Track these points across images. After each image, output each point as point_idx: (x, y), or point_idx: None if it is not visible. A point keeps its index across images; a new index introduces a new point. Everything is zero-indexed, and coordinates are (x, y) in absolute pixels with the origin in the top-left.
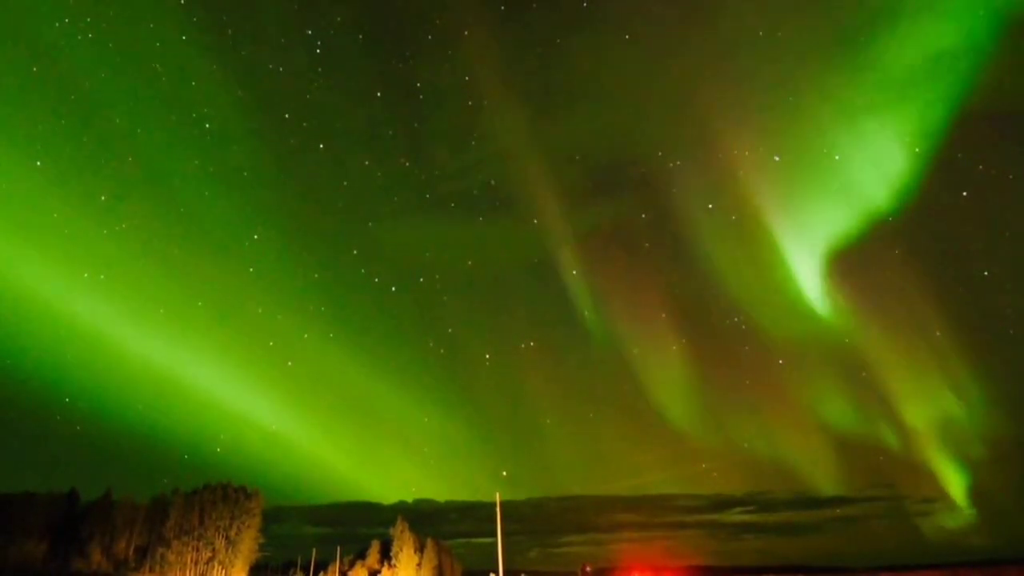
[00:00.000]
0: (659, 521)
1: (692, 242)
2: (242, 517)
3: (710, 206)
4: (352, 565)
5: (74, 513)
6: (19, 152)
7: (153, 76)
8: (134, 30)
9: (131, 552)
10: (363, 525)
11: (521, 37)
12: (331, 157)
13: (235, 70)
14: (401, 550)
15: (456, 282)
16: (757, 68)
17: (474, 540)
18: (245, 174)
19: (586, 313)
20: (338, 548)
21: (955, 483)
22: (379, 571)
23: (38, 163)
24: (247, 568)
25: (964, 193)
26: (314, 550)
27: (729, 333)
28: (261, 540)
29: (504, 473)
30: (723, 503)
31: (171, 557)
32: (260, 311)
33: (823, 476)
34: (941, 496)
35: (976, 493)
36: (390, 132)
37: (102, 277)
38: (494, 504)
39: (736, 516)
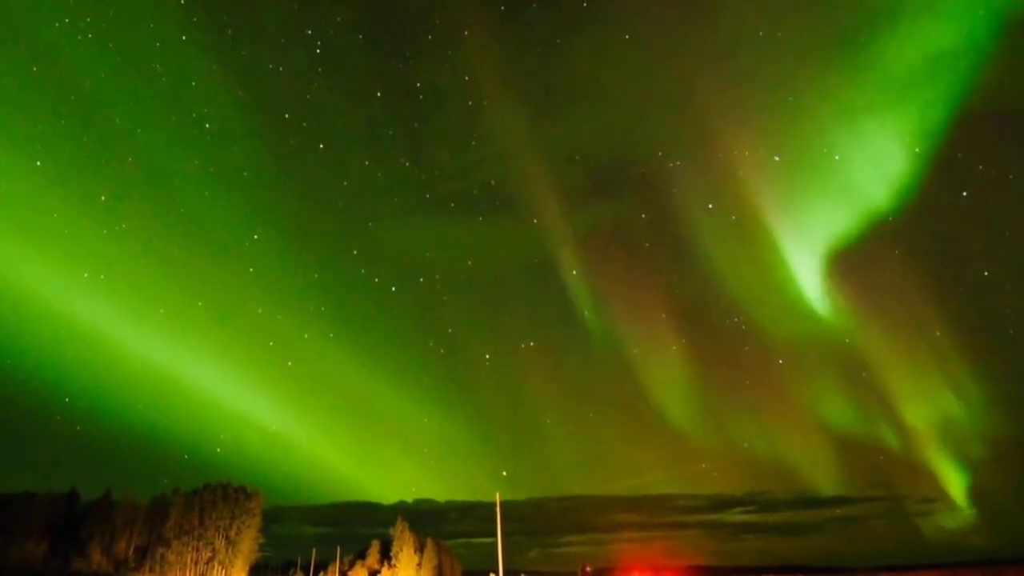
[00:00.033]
0: (659, 521)
1: (692, 242)
2: (242, 517)
3: (710, 206)
4: (352, 565)
5: (74, 513)
6: (19, 152)
7: (153, 76)
8: (134, 30)
9: (131, 552)
10: (363, 525)
11: (521, 37)
12: (331, 157)
13: (235, 70)
14: (401, 550)
15: (456, 282)
16: (757, 68)
17: (474, 540)
18: (245, 174)
19: (586, 313)
20: (338, 548)
21: (955, 483)
22: (379, 571)
23: (38, 163)
24: (247, 568)
25: (964, 193)
26: (314, 550)
27: (729, 333)
28: (261, 540)
29: (504, 473)
30: (723, 503)
31: (171, 557)
32: (260, 311)
33: (823, 476)
34: (941, 496)
35: (976, 493)
36: (390, 132)
37: (102, 277)
38: (494, 504)
39: (736, 516)
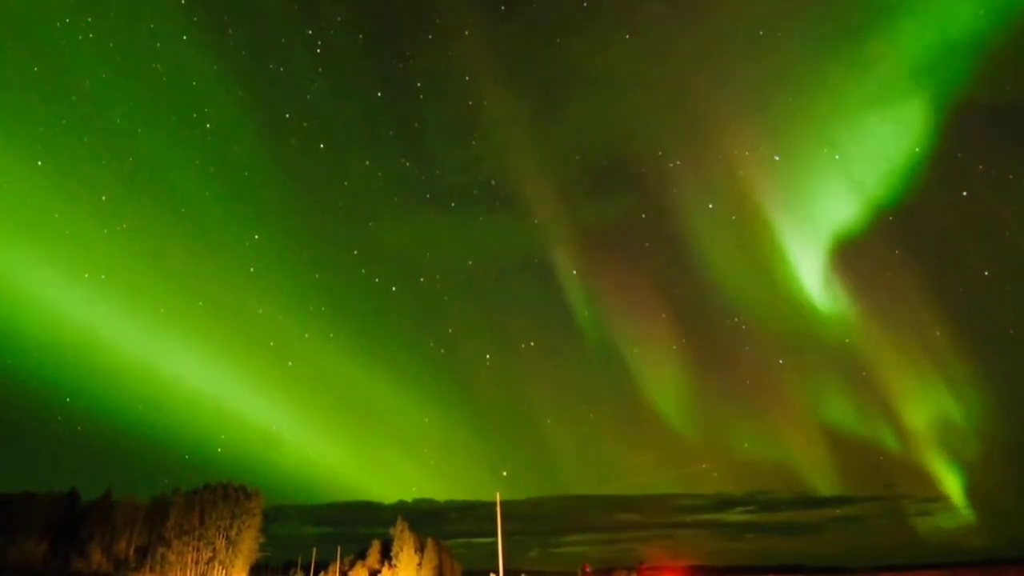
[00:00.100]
0: (659, 521)
1: (692, 242)
2: (242, 517)
3: (710, 206)
4: (352, 565)
5: (74, 513)
6: (20, 152)
7: (153, 76)
8: (134, 30)
9: (131, 552)
10: (363, 525)
11: (521, 36)
12: (331, 157)
13: (235, 70)
14: (401, 550)
15: (456, 282)
16: (757, 67)
17: (474, 540)
18: (245, 174)
19: (586, 313)
20: (338, 548)
21: (955, 483)
22: (379, 571)
23: (39, 163)
24: (247, 568)
25: (964, 193)
26: (314, 550)
27: (729, 333)
28: (261, 540)
29: (504, 473)
30: (723, 503)
31: (171, 557)
32: (260, 311)
33: (823, 476)
34: (941, 496)
35: (976, 493)
36: (390, 132)
37: (102, 277)
38: (494, 504)
39: (736, 516)
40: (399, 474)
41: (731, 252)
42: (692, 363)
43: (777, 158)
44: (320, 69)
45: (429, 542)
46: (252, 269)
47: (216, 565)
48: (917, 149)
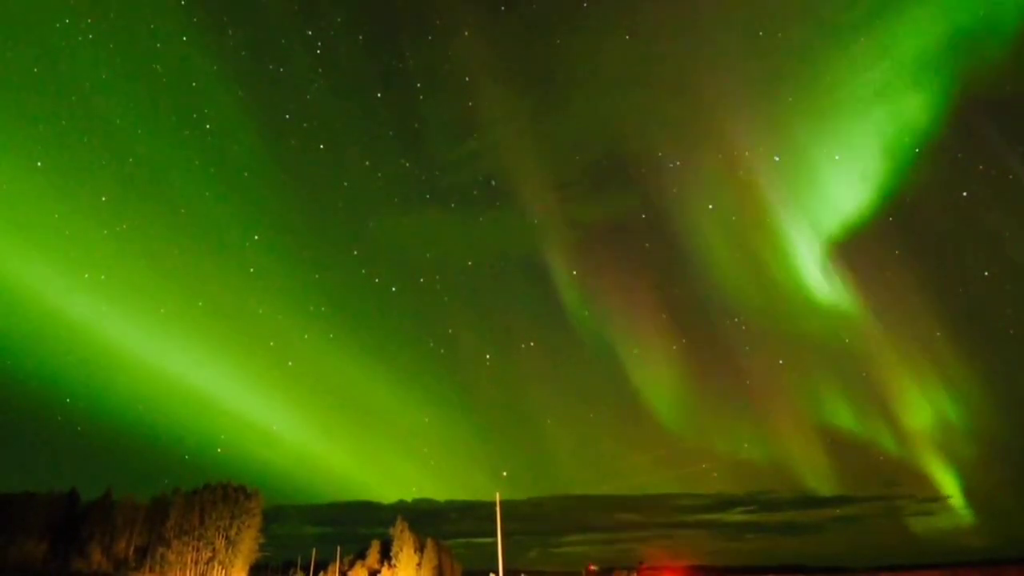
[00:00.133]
0: (659, 521)
1: (692, 242)
2: (242, 517)
3: (710, 206)
4: (352, 565)
5: (74, 513)
6: (20, 152)
7: (153, 76)
8: (134, 30)
9: (131, 552)
10: (363, 525)
11: (521, 37)
12: (331, 157)
13: (235, 70)
14: (401, 550)
15: (456, 282)
16: (757, 67)
17: (474, 540)
18: (245, 174)
19: (586, 313)
20: (338, 548)
21: (955, 483)
22: (379, 571)
23: (39, 163)
24: (247, 568)
25: (964, 193)
26: (314, 550)
27: (729, 333)
28: (261, 540)
29: (504, 473)
30: (723, 503)
31: (171, 557)
32: (260, 311)
33: (823, 476)
34: (941, 496)
35: (976, 493)
36: (390, 132)
37: (102, 277)
38: (494, 504)
39: (736, 516)
40: (399, 474)
41: (731, 252)
42: (692, 363)
43: (777, 158)
44: (320, 69)
45: (429, 542)
46: (252, 269)
47: (216, 565)
48: (917, 149)
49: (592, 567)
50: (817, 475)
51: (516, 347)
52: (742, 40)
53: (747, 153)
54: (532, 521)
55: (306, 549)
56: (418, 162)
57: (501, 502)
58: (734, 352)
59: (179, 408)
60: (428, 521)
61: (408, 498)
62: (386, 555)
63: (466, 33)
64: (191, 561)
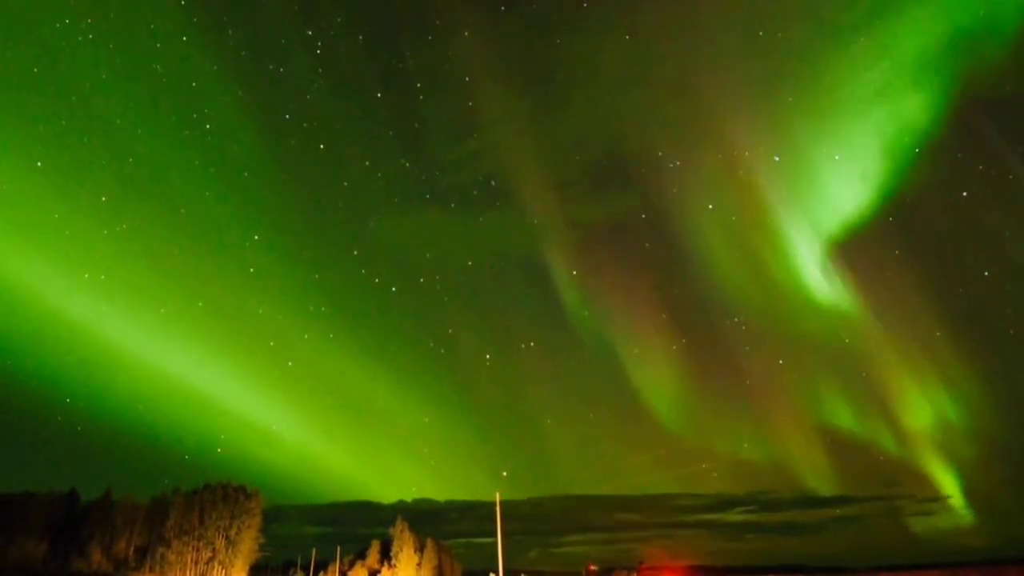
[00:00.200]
0: (659, 521)
1: (692, 242)
2: (242, 517)
3: (710, 206)
4: (352, 565)
5: (74, 513)
6: (19, 152)
7: (153, 76)
8: (134, 30)
9: (131, 552)
10: (363, 525)
11: (521, 37)
12: (331, 157)
13: (235, 70)
14: (401, 550)
15: (456, 282)
16: (757, 67)
17: (474, 540)
18: (245, 174)
19: (586, 313)
20: (338, 548)
21: (955, 483)
22: (379, 571)
23: (39, 163)
24: (247, 568)
25: (964, 193)
26: (314, 550)
27: (729, 333)
28: (261, 540)
29: (504, 473)
30: (723, 503)
31: (171, 557)
32: (261, 311)
33: (823, 476)
34: (941, 496)
35: (976, 493)
36: (390, 132)
37: (102, 277)
38: (494, 504)
39: (737, 516)
40: (399, 474)
41: (731, 252)
42: (692, 363)
43: (777, 158)
44: (320, 69)
45: (429, 542)
46: (252, 269)
47: (216, 565)
48: (917, 149)
49: (592, 567)
50: (817, 475)
51: (516, 347)
52: (742, 40)
53: (747, 153)
54: (532, 521)
55: (306, 549)
56: (418, 162)
57: (501, 502)
58: (734, 352)
59: (179, 408)
60: (428, 521)
61: (408, 498)
62: (386, 555)
63: (466, 33)
64: (191, 561)
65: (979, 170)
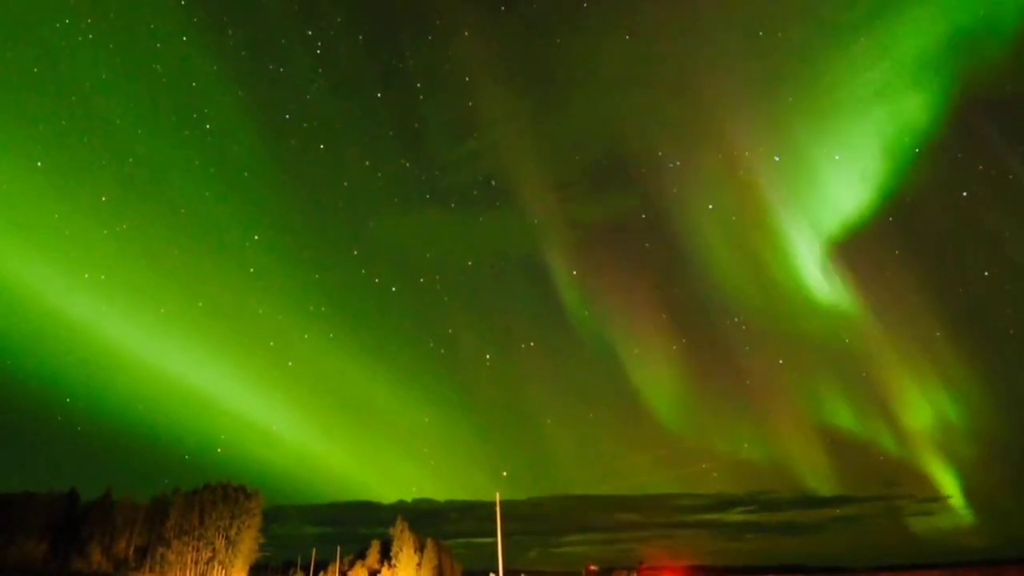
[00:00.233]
0: (659, 521)
1: (692, 242)
2: (242, 517)
3: (710, 206)
4: (352, 565)
5: (74, 513)
6: (19, 152)
7: (153, 76)
8: (134, 30)
9: (131, 552)
10: (363, 525)
11: (521, 37)
12: (331, 157)
13: (235, 70)
14: (401, 550)
15: (456, 282)
16: (757, 67)
17: (474, 540)
18: (245, 174)
19: (586, 313)
20: (338, 548)
21: (955, 483)
22: (379, 571)
23: (39, 163)
24: (247, 568)
25: (964, 193)
26: (314, 550)
27: (729, 333)
28: (261, 540)
29: (504, 473)
30: (723, 503)
31: (171, 557)
32: (261, 311)
33: (823, 476)
34: (941, 496)
35: (976, 493)
36: (390, 132)
37: (102, 277)
38: (494, 504)
39: (737, 516)
40: (399, 474)
41: (731, 252)
42: (692, 363)
43: (777, 158)
44: (320, 69)
45: (429, 542)
46: (252, 269)
47: (216, 565)
48: (917, 149)
49: (592, 567)
50: (817, 475)
51: (516, 347)
52: (742, 40)
53: (747, 153)
54: (532, 521)
55: (306, 549)
56: (418, 162)
57: (501, 502)
58: (734, 352)
59: (179, 408)
60: (428, 521)
61: (408, 498)
62: (386, 555)
63: (466, 33)
64: (191, 561)
65: (979, 170)
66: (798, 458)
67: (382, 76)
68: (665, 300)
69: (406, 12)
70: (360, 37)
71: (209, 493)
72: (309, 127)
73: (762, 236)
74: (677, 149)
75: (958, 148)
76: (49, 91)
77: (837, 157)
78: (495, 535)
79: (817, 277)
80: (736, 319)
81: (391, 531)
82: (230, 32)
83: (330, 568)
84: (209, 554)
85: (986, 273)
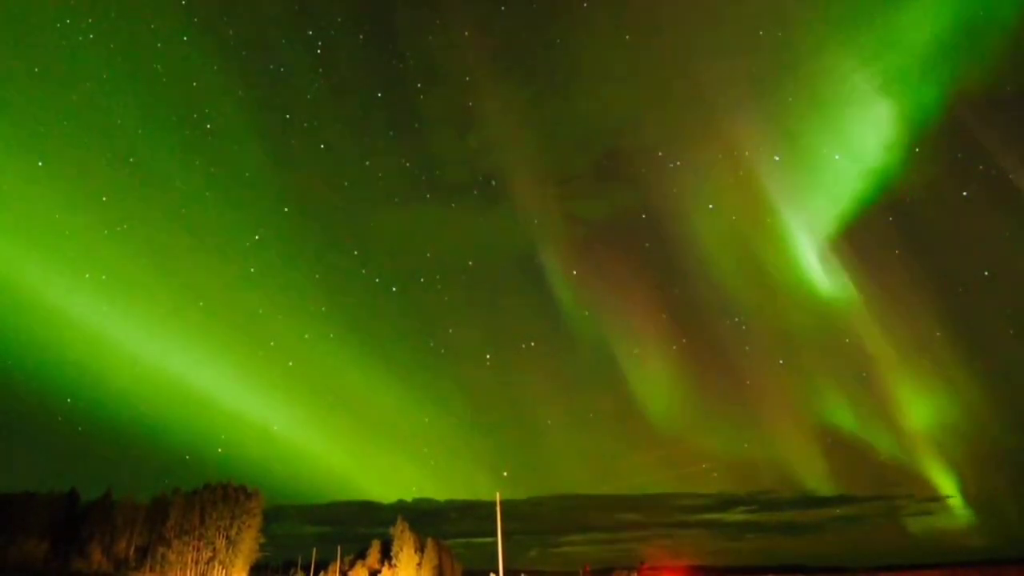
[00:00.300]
0: (659, 521)
1: (692, 242)
2: (242, 517)
3: (710, 206)
4: (352, 565)
5: (74, 513)
6: (20, 152)
7: (153, 76)
8: (134, 30)
9: (131, 552)
10: (363, 525)
11: (521, 37)
12: (331, 157)
13: (235, 70)
14: (401, 550)
15: (456, 282)
16: (757, 66)
17: (474, 540)
18: (245, 174)
19: (586, 313)
20: (338, 548)
21: (955, 483)
22: (379, 571)
23: (39, 163)
24: (247, 568)
25: (964, 193)
26: (314, 550)
27: (729, 333)
28: (261, 540)
29: (504, 473)
30: (724, 503)
31: (171, 557)
32: (260, 311)
33: (823, 476)
34: (941, 496)
35: (976, 493)
36: (390, 132)
37: (103, 277)
38: (494, 504)
39: (737, 516)
40: (399, 474)
41: (731, 252)
42: (692, 363)
43: (777, 157)
44: (320, 69)
45: (429, 542)
46: (252, 269)
47: (216, 565)
48: (917, 148)
49: (588, 568)
50: (817, 475)
51: (516, 347)
52: (742, 39)
53: (748, 152)
54: (532, 521)
55: (306, 549)
56: (418, 162)
57: (501, 502)
58: (734, 352)
59: (179, 408)
60: (428, 521)
61: (408, 498)
62: (386, 555)
63: (466, 33)
64: (191, 561)
65: (979, 170)
66: (798, 458)
67: (382, 76)
68: (665, 300)
69: (406, 12)
70: (360, 37)
71: (209, 493)
72: (309, 127)
73: (762, 236)
74: (677, 148)
75: (958, 148)
76: (49, 91)
77: (837, 157)
78: (495, 535)
79: (817, 277)
80: (736, 319)
81: (391, 531)
82: (230, 32)
83: (330, 568)
84: (209, 554)
85: (986, 273)
